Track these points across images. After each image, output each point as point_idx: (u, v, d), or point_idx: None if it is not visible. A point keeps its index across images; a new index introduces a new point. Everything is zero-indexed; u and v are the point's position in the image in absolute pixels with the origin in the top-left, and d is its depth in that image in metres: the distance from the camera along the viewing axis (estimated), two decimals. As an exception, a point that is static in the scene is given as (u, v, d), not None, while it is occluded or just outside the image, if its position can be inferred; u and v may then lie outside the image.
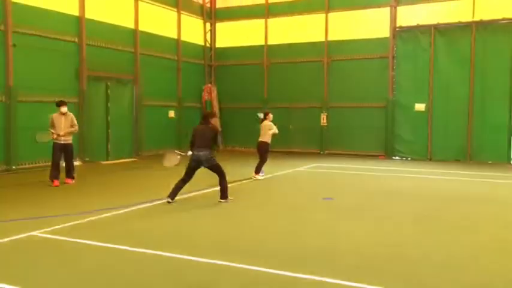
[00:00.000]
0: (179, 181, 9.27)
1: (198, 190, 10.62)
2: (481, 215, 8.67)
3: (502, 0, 17.20)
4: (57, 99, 11.75)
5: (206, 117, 9.75)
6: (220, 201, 9.40)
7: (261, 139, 12.92)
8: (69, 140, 11.36)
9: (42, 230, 7.00)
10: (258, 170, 12.80)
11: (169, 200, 9.11)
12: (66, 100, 11.76)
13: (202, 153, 9.16)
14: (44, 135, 11.11)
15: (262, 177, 12.79)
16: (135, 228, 7.43)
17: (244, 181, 12.38)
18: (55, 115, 11.26)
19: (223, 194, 9.46)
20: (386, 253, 6.11)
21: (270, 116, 13.20)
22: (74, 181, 11.53)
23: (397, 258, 5.91)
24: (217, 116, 9.56)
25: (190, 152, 9.31)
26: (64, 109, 11.27)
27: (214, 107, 21.78)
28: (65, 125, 11.23)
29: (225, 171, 9.46)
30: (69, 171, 11.54)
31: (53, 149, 11.26)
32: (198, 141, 9.24)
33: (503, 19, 17.07)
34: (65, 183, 11.34)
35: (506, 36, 17.11)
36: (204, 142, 9.25)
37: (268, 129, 12.82)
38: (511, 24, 17.05)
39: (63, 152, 11.31)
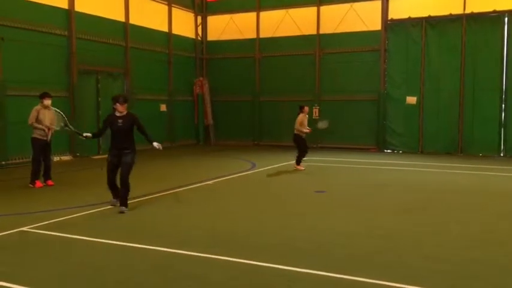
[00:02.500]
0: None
1: (185, 185, 10.60)
2: (471, 206, 8.71)
3: (492, -7, 17.26)
4: (41, 92, 10.50)
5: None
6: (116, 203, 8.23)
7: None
8: (49, 137, 10.33)
9: (32, 226, 6.95)
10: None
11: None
12: (52, 93, 10.72)
13: None
14: None
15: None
16: (124, 223, 7.38)
17: (238, 174, 12.36)
18: (39, 108, 10.19)
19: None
20: (378, 245, 6.13)
21: (305, 108, 13.42)
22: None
23: (389, 250, 5.92)
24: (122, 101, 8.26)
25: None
26: (48, 102, 10.24)
27: (206, 101, 21.73)
28: (48, 120, 10.20)
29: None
30: (49, 172, 10.57)
31: (36, 147, 10.22)
32: None
33: (494, 11, 17.11)
34: (48, 185, 10.40)
35: (497, 29, 17.16)
36: None
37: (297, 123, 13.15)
38: (502, 17, 17.10)
39: (43, 150, 10.33)
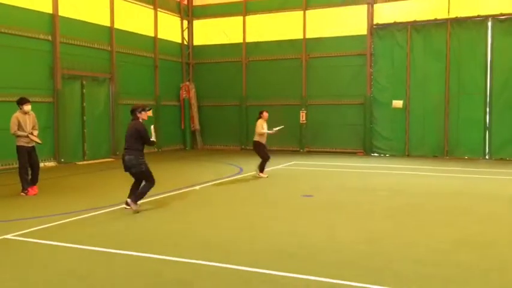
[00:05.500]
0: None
1: (172, 191, 10.51)
2: (458, 209, 8.75)
3: (476, -2, 17.49)
4: (20, 97, 10.28)
5: (133, 111, 8.50)
6: (125, 207, 8.33)
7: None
8: (33, 142, 10.18)
9: (16, 233, 6.81)
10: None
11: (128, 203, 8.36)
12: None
13: (127, 158, 8.19)
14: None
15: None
16: (110, 229, 7.28)
17: (225, 179, 12.28)
18: (19, 115, 9.94)
19: (136, 197, 8.24)
20: (365, 249, 6.11)
21: (265, 114, 12.77)
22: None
23: (378, 254, 5.90)
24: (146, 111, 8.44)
25: None
26: (28, 107, 10.03)
27: (193, 106, 21.65)
28: (29, 125, 10.04)
29: (155, 178, 8.50)
30: (36, 178, 10.28)
31: (21, 154, 9.95)
32: (125, 141, 8.29)
33: (478, 16, 17.32)
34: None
35: (481, 33, 17.37)
36: (129, 143, 8.18)
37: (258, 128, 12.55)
38: (485, 21, 17.32)
39: (30, 157, 10.09)
